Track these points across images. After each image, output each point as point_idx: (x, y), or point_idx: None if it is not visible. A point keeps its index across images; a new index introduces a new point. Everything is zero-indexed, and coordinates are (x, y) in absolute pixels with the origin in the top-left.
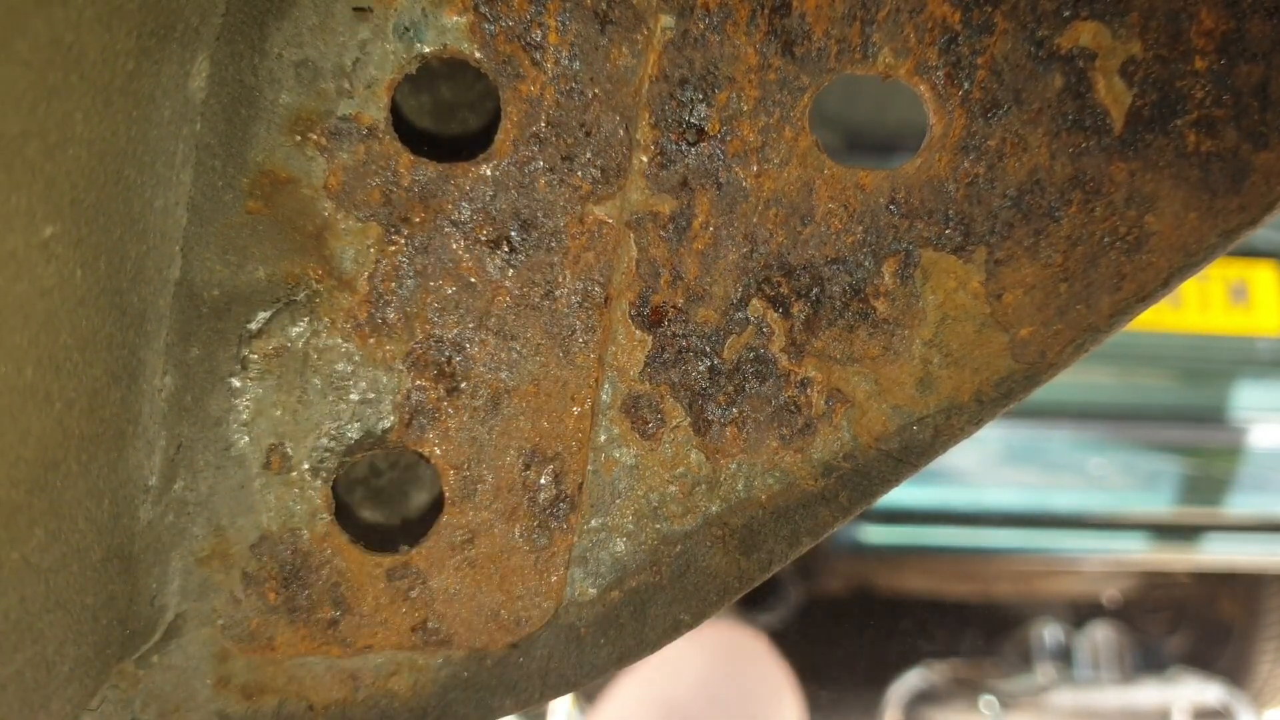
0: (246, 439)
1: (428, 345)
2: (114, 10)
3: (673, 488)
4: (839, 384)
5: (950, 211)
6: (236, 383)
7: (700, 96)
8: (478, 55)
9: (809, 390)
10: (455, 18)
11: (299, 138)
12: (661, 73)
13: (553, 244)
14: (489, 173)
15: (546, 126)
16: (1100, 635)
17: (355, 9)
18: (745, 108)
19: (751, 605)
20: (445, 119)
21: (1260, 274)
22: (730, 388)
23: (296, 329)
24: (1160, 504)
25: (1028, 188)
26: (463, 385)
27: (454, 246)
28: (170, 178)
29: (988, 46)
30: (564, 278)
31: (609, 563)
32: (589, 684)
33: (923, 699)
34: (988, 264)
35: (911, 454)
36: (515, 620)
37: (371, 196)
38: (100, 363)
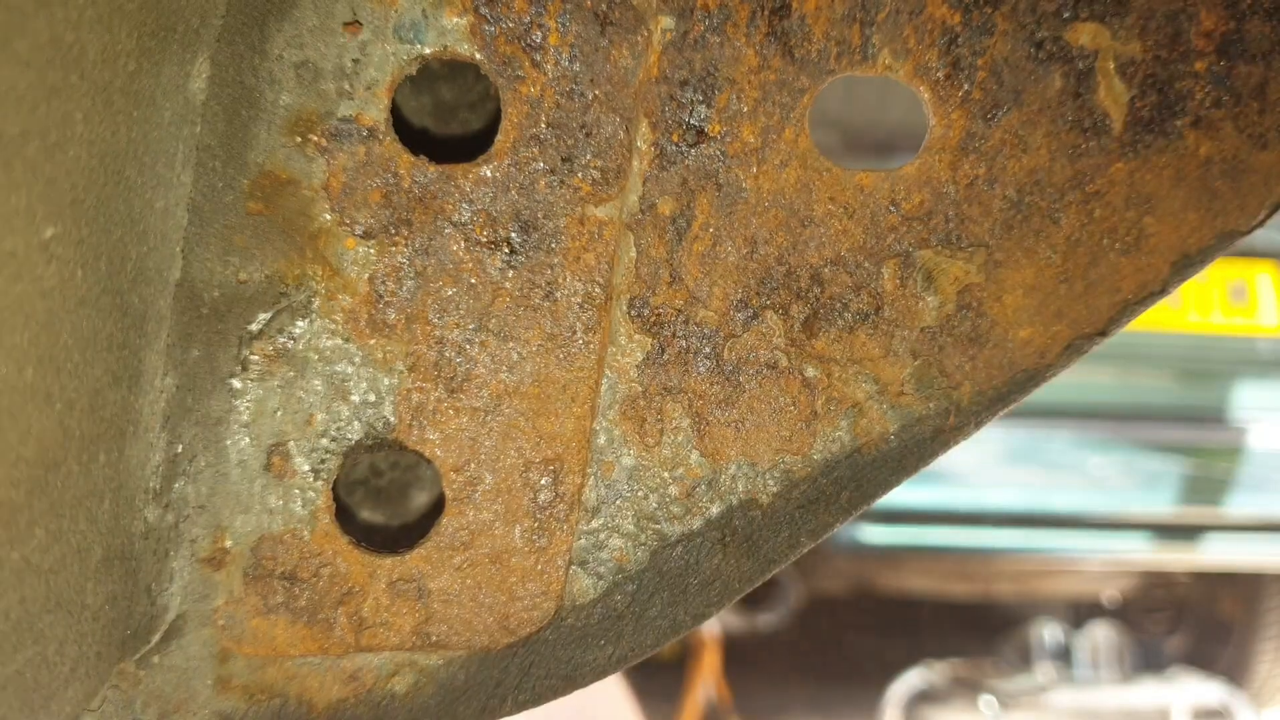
0: (247, 440)
1: (428, 346)
2: (114, 10)
3: (673, 489)
4: (839, 385)
5: (950, 213)
6: (237, 384)
7: (700, 98)
8: (478, 56)
9: (809, 391)
10: (455, 19)
11: (299, 139)
12: (662, 74)
13: (553, 245)
14: (489, 174)
15: (547, 128)
16: (1100, 635)
17: (345, 24)
18: (745, 109)
19: (752, 605)
20: (445, 120)
21: (1260, 274)
22: (730, 389)
23: (297, 330)
24: (1160, 504)
25: (1027, 189)
26: (463, 386)
27: (454, 248)
28: (171, 178)
29: (988, 47)
30: (564, 279)
31: (609, 564)
32: (589, 685)
33: (923, 698)
34: (987, 265)
35: (911, 455)
36: (515, 621)
37: (372, 198)
38: (101, 363)
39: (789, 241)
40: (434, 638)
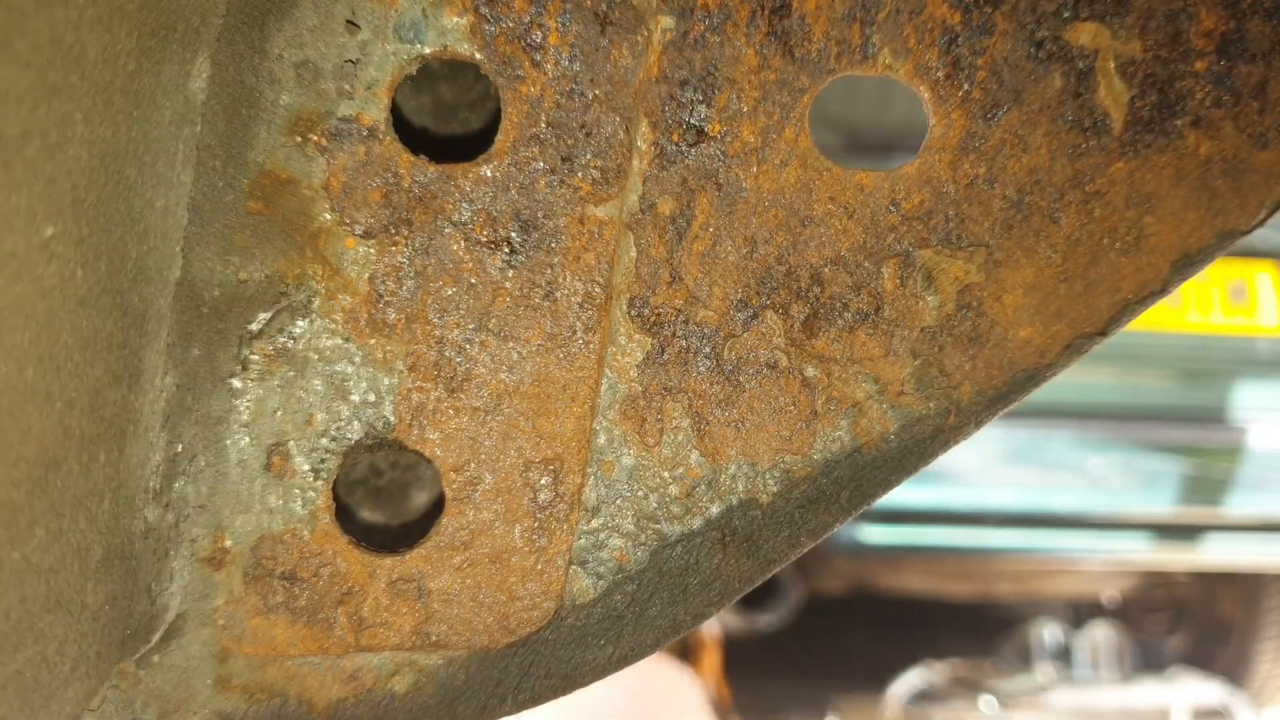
0: (247, 439)
1: (428, 346)
2: (115, 10)
3: (673, 488)
4: (839, 384)
5: (950, 212)
6: (237, 383)
7: (700, 97)
8: (478, 56)
9: (809, 391)
10: (456, 19)
11: (299, 138)
12: (662, 74)
13: (553, 245)
14: (489, 173)
15: (547, 127)
16: (1100, 635)
17: (348, 21)
18: (745, 109)
19: (751, 605)
20: (445, 119)
21: (1260, 274)
22: (730, 388)
23: (297, 329)
24: (1160, 504)
25: (1027, 188)
26: (463, 386)
27: (454, 247)
28: (171, 178)
29: (988, 47)
30: (564, 278)
31: (609, 563)
32: (589, 684)
33: (923, 698)
34: (987, 265)
35: (911, 454)
36: (515, 620)
37: (372, 197)
38: (101, 363)
39: (789, 241)
40: (434, 637)
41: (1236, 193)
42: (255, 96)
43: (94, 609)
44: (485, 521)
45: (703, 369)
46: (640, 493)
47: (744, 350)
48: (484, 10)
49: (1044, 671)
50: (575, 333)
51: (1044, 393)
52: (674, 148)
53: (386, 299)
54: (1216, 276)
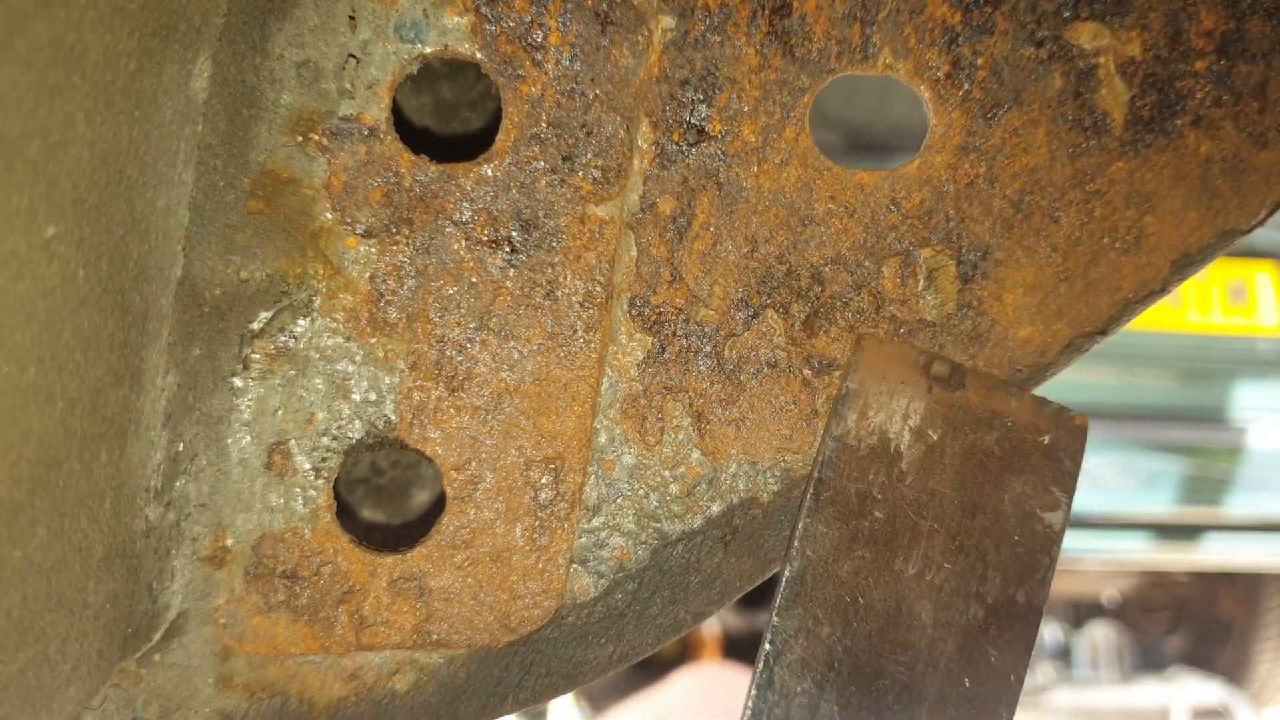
0: (248, 438)
1: (429, 345)
2: (116, 10)
3: (674, 487)
4: (839, 383)
5: (950, 211)
6: (238, 382)
7: (701, 97)
8: (479, 56)
9: (809, 390)
10: (456, 18)
11: (300, 138)
12: (662, 73)
13: (554, 244)
14: (490, 173)
15: (547, 127)
16: (1100, 635)
17: (349, 19)
18: (746, 108)
19: (752, 605)
20: (446, 119)
21: (1260, 274)
22: (731, 387)
23: (298, 328)
24: (1160, 504)
25: (1027, 188)
26: (464, 385)
27: (455, 246)
28: (172, 177)
29: (988, 47)
30: (565, 278)
31: (610, 562)
32: (589, 683)
33: None
34: (987, 264)
35: None
36: (516, 619)
37: (373, 197)
38: (102, 362)
39: (789, 240)
40: (435, 636)
41: (1236, 192)
42: (256, 96)
43: (95, 608)
44: (486, 520)
45: (703, 368)
46: (641, 491)
47: (745, 349)
48: (485, 10)
49: (1044, 671)
50: (576, 332)
51: (1044, 392)
52: (675, 147)
53: (387, 298)
54: (1216, 276)
